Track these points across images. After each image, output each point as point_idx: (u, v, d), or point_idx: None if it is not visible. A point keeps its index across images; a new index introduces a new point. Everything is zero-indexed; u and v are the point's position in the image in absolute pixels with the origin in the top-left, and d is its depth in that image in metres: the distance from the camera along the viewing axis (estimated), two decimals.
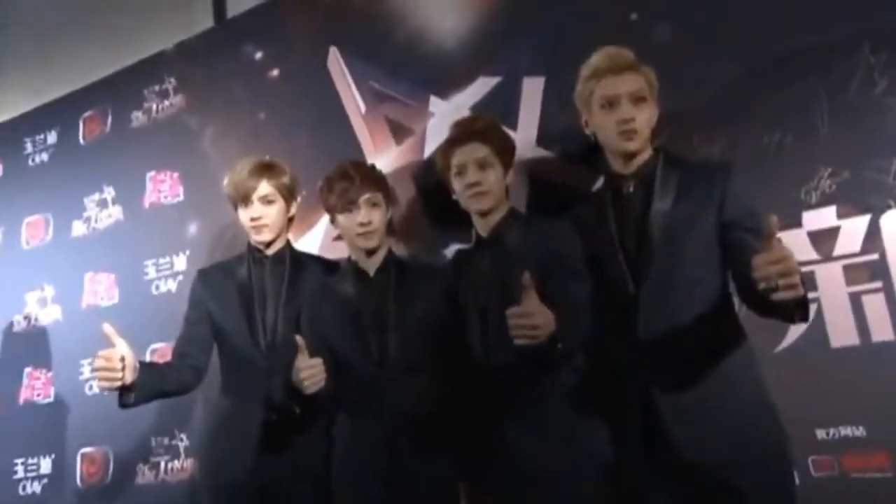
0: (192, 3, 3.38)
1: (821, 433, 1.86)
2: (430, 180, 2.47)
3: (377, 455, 1.96)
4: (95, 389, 3.01)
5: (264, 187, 2.23)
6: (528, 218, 2.13)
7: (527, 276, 1.61)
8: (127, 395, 1.94)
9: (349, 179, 2.10)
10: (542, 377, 1.85)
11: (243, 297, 2.24)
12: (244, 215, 2.24)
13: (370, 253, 2.13)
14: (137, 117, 3.29)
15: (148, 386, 1.98)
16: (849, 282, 1.84)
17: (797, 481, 1.71)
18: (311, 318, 2.14)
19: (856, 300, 1.85)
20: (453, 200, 2.11)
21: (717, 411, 1.66)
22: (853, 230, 1.88)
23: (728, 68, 2.09)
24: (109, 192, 3.29)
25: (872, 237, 1.87)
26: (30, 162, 3.54)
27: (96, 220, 3.30)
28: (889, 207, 1.85)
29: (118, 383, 1.89)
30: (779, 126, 2.01)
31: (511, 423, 1.88)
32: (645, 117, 1.81)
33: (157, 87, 3.25)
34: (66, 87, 3.51)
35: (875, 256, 1.85)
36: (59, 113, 3.50)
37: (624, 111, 1.79)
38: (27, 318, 3.33)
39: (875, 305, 1.84)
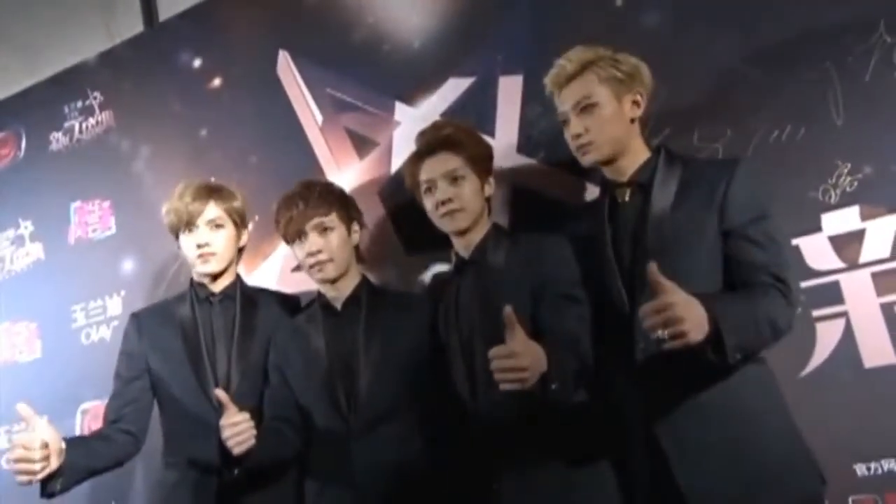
0: (117, 5, 3.40)
1: (861, 469, 1.89)
2: (401, 197, 2.51)
3: None
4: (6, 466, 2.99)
5: (212, 210, 2.22)
6: (515, 235, 2.13)
7: (508, 310, 1.61)
8: (52, 483, 1.90)
9: (294, 206, 2.15)
10: (537, 423, 1.84)
11: (188, 343, 2.22)
12: (188, 242, 2.23)
13: (334, 282, 2.15)
14: (57, 139, 3.32)
15: (76, 467, 1.95)
16: (879, 292, 1.88)
17: None
18: (277, 365, 2.16)
19: (889, 312, 1.89)
20: (428, 220, 2.13)
21: (732, 451, 1.66)
22: (880, 233, 1.92)
23: (728, 55, 2.16)
24: (27, 228, 3.31)
25: None
26: None
27: (12, 261, 3.32)
28: None
29: (41, 475, 1.83)
30: (789, 118, 2.07)
31: (504, 476, 1.88)
32: (597, 123, 1.88)
33: (79, 104, 3.29)
34: None
35: None
36: None
37: (577, 125, 1.88)
38: None
39: None
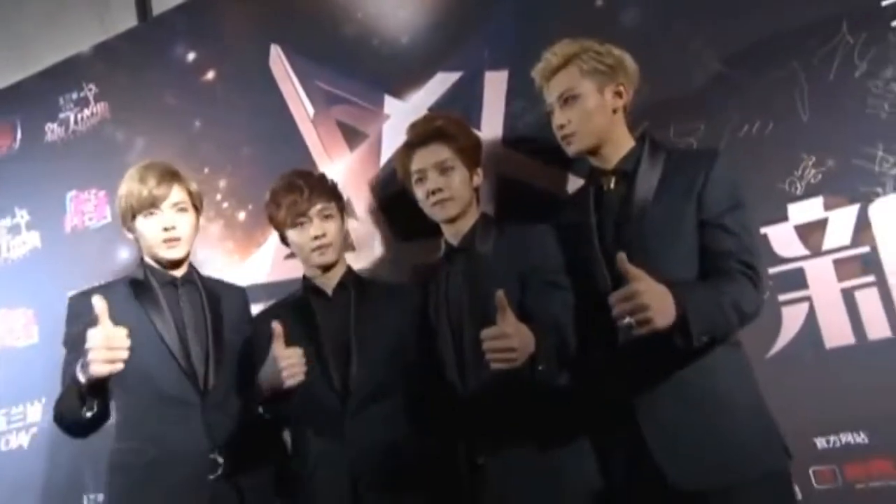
0: (109, 1, 3.42)
1: (821, 442, 1.99)
2: (390, 187, 2.57)
3: (341, 493, 2.00)
4: (12, 445, 3.17)
5: (177, 193, 2.21)
6: (502, 224, 2.18)
7: (500, 293, 1.67)
8: (99, 396, 1.85)
9: (298, 191, 2.16)
10: (524, 403, 1.89)
11: (161, 325, 2.18)
12: (150, 226, 2.18)
13: (327, 269, 2.19)
14: (53, 129, 3.34)
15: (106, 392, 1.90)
16: (840, 277, 1.98)
17: (799, 496, 1.81)
18: (266, 348, 2.13)
19: (849, 296, 1.99)
20: (418, 208, 2.17)
21: (708, 429, 1.73)
22: (842, 222, 2.02)
23: (703, 54, 2.22)
24: (23, 216, 3.34)
25: (862, 228, 2.01)
26: None
27: (9, 249, 3.35)
28: (877, 196, 2.00)
29: (120, 366, 1.78)
30: (758, 114, 2.15)
31: (490, 453, 1.93)
32: (578, 113, 1.92)
33: (74, 95, 3.31)
34: None
35: (866, 249, 2.00)
36: None
37: (560, 116, 1.93)
38: None
39: (869, 301, 1.98)
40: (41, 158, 3.36)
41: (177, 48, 3.11)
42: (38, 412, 3.14)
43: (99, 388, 1.83)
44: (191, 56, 3.09)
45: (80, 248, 3.19)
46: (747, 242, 1.81)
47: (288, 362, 1.89)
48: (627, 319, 1.57)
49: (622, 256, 1.58)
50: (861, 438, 1.97)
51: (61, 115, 3.35)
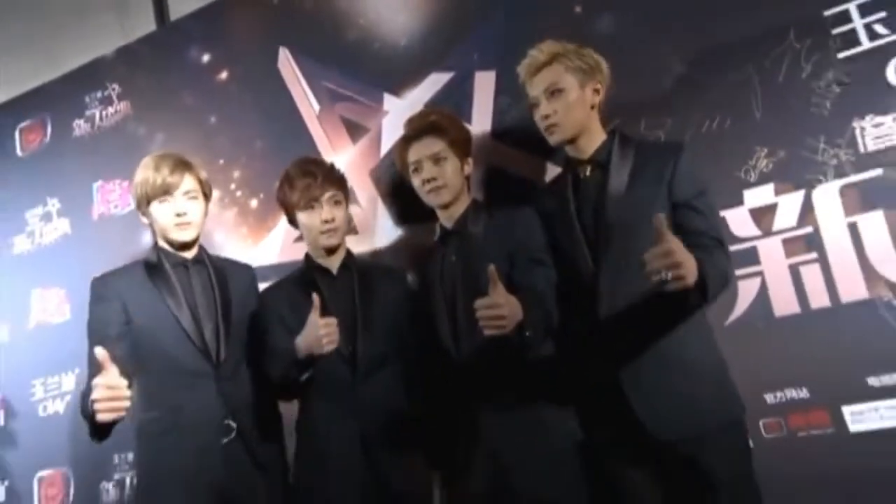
0: (131, 7, 3.48)
1: (769, 397, 2.12)
2: (389, 176, 2.68)
3: (352, 450, 2.07)
4: (49, 411, 3.18)
5: (188, 182, 2.23)
6: (491, 208, 2.22)
7: (492, 267, 1.73)
8: (108, 427, 1.90)
9: (312, 176, 2.21)
10: (512, 366, 1.96)
11: (174, 303, 2.20)
12: (164, 212, 2.20)
13: (331, 252, 2.25)
14: (80, 125, 3.39)
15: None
16: (788, 254, 2.09)
17: (751, 444, 1.91)
18: (280, 318, 2.19)
19: (795, 271, 2.11)
20: (413, 195, 2.22)
21: (680, 389, 1.83)
22: (790, 206, 2.12)
23: (670, 58, 2.32)
24: (54, 205, 3.37)
25: (806, 211, 2.12)
26: None
27: (41, 235, 3.39)
28: (820, 182, 2.11)
29: (122, 413, 1.84)
30: (719, 111, 2.25)
31: (483, 412, 2.00)
32: (563, 106, 1.98)
33: (99, 94, 3.35)
34: None
35: (810, 229, 2.11)
36: None
37: (545, 107, 1.99)
38: None
39: (812, 275, 2.09)
40: (70, 152, 3.38)
41: (192, 51, 3.16)
42: (71, 382, 3.17)
43: (109, 425, 1.87)
44: (205, 58, 3.14)
45: (106, 233, 3.22)
46: (714, 222, 1.90)
47: (327, 330, 1.94)
48: (664, 274, 1.61)
49: (660, 217, 1.62)
50: (803, 393, 2.08)
51: (87, 113, 3.37)
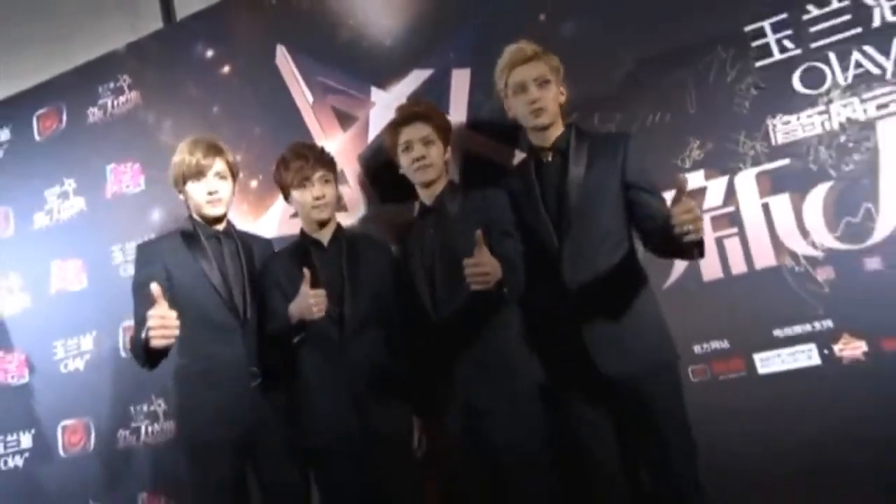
0: (140, 7, 3.53)
1: (697, 348, 2.32)
2: (375, 160, 2.75)
3: (344, 399, 2.16)
4: (70, 368, 3.24)
5: (219, 164, 2.31)
6: (466, 189, 2.30)
7: (478, 232, 1.83)
8: (161, 356, 2.02)
9: (304, 158, 2.28)
10: (487, 321, 2.07)
11: (208, 267, 2.27)
12: (198, 189, 2.29)
13: (322, 225, 2.32)
14: (93, 113, 3.40)
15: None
16: (714, 229, 2.28)
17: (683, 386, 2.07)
18: (277, 283, 2.27)
19: (720, 243, 2.31)
20: (396, 177, 2.30)
21: (629, 340, 1.97)
22: (716, 189, 2.32)
23: (621, 61, 2.47)
24: (70, 185, 3.40)
25: (730, 194, 2.31)
26: None
27: (59, 211, 3.41)
28: (740, 170, 2.31)
29: (172, 340, 1.93)
30: (660, 107, 2.42)
31: (458, 364, 2.09)
32: (551, 96, 2.10)
33: (111, 85, 3.37)
34: (16, 87, 3.60)
35: (732, 209, 2.31)
36: (10, 111, 3.58)
37: (533, 93, 2.08)
38: None
39: (733, 246, 2.30)
40: (84, 137, 3.40)
41: (197, 47, 3.19)
42: (90, 342, 3.24)
43: (161, 351, 1.98)
44: (209, 54, 3.17)
45: (119, 210, 3.27)
46: (661, 198, 2.03)
47: (316, 300, 2.03)
48: (688, 227, 1.70)
49: (682, 177, 1.79)
50: (724, 344, 2.29)
51: (100, 101, 3.39)
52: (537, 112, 2.10)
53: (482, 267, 1.82)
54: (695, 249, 1.83)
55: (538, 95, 2.10)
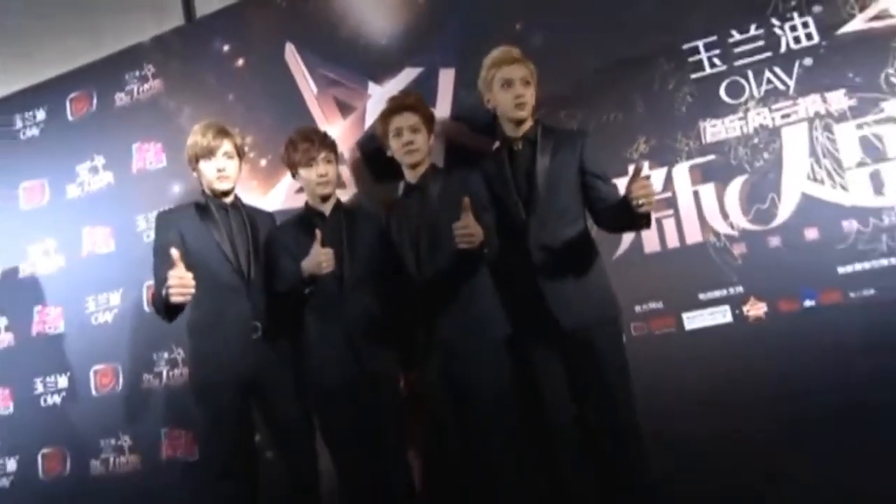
0: (164, 5, 3.56)
1: (637, 308, 2.50)
2: (369, 145, 2.83)
3: (341, 349, 2.25)
4: (101, 321, 3.33)
5: (227, 145, 2.38)
6: (446, 170, 2.42)
7: (466, 199, 1.93)
8: (179, 311, 2.16)
9: (310, 141, 2.35)
10: (464, 281, 2.16)
11: (219, 235, 2.33)
12: (209, 167, 2.35)
13: (325, 199, 2.40)
14: (121, 98, 3.42)
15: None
16: (655, 210, 2.26)
17: (625, 339, 2.29)
18: (286, 248, 2.34)
19: (658, 222, 2.48)
20: (385, 159, 2.39)
21: (582, 297, 2.11)
22: (658, 177, 2.49)
23: (583, 69, 2.60)
24: (100, 160, 3.44)
25: (668, 182, 2.49)
26: (21, 136, 3.65)
27: (89, 184, 3.45)
28: (677, 162, 2.49)
29: (189, 297, 2.07)
30: (614, 109, 2.57)
31: (437, 316, 2.20)
32: (530, 94, 2.21)
33: (137, 73, 3.41)
34: (52, 72, 3.61)
35: (669, 194, 2.49)
36: (46, 94, 3.60)
37: (518, 90, 2.19)
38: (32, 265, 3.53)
39: (669, 225, 2.49)
40: (113, 119, 3.42)
41: (214, 42, 3.22)
42: (117, 298, 3.32)
43: (179, 305, 2.13)
44: (225, 48, 3.21)
45: (143, 184, 3.33)
46: (613, 185, 2.20)
47: (325, 257, 2.12)
48: (643, 200, 1.82)
49: (640, 165, 1.91)
50: (659, 305, 2.47)
51: (127, 88, 3.42)
52: (521, 106, 2.19)
53: (469, 229, 1.93)
54: (643, 220, 1.96)
55: (522, 92, 2.19)
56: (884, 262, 2.29)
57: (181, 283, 2.04)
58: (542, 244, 2.14)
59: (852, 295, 2.31)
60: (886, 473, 2.17)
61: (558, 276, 2.13)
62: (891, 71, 2.34)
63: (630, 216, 1.91)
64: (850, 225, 2.34)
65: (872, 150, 2.35)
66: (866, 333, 2.25)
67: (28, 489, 3.37)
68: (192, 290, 2.06)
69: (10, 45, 4.02)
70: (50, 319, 3.49)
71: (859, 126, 2.35)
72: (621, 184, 2.32)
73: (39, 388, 3.45)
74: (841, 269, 2.33)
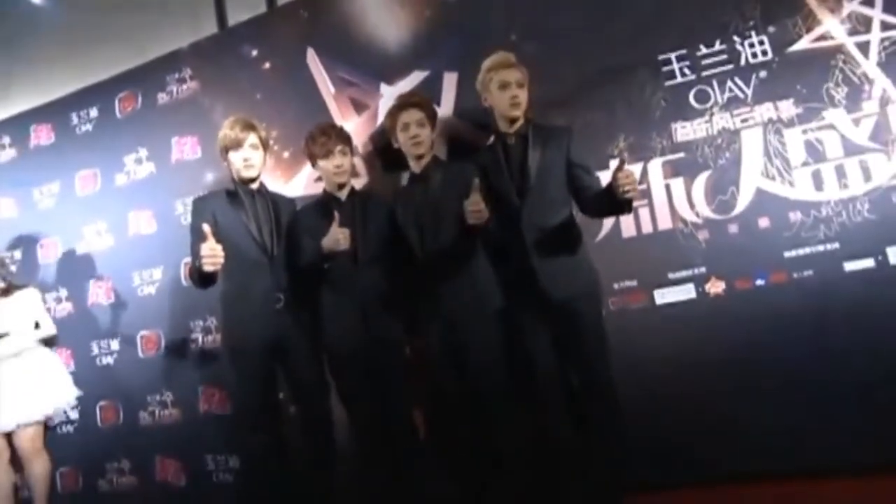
0: (200, 15, 3.62)
1: (615, 285, 2.54)
2: (380, 140, 2.85)
3: (354, 317, 2.29)
4: (145, 293, 3.40)
5: (252, 137, 2.40)
6: (448, 162, 2.44)
7: (476, 181, 1.96)
8: (213, 277, 2.20)
9: (328, 135, 2.38)
10: (465, 258, 2.19)
11: (246, 217, 2.36)
12: (236, 157, 2.37)
13: (341, 187, 2.42)
14: (162, 97, 3.47)
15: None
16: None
17: (604, 312, 2.34)
18: (308, 229, 2.35)
19: (635, 211, 2.50)
20: (394, 152, 2.40)
21: (568, 273, 2.14)
22: (635, 171, 2.46)
23: (571, 74, 2.63)
24: (144, 152, 3.48)
25: (644, 175, 2.52)
26: (77, 131, 3.70)
27: (135, 173, 3.50)
28: (652, 159, 2.53)
29: (219, 266, 2.12)
30: (599, 110, 2.59)
31: (439, 290, 2.22)
32: (524, 96, 2.23)
33: (176, 75, 3.43)
34: (103, 75, 3.68)
35: (644, 186, 2.52)
36: (98, 94, 3.65)
37: (514, 91, 2.20)
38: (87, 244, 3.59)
39: (644, 213, 2.52)
40: (155, 116, 3.46)
41: (245, 48, 3.24)
42: (159, 273, 3.37)
43: (212, 274, 2.18)
44: (254, 53, 3.22)
45: (181, 172, 3.34)
46: (596, 176, 2.22)
47: (343, 236, 2.17)
48: (627, 187, 1.85)
49: (623, 157, 1.90)
50: (634, 283, 2.52)
51: (168, 88, 3.45)
52: (516, 105, 2.20)
53: (479, 205, 1.97)
54: (627, 205, 1.99)
55: (517, 93, 2.21)
56: (821, 247, 2.37)
57: (212, 253, 2.10)
58: (534, 227, 2.16)
59: (795, 275, 2.38)
60: (820, 416, 2.29)
61: (548, 255, 2.15)
62: (831, 85, 2.40)
63: (613, 202, 1.94)
64: (795, 216, 2.41)
65: (814, 153, 2.42)
66: (807, 308, 2.33)
67: (90, 435, 3.50)
68: (222, 260, 2.11)
69: (68, 53, 4.09)
70: (101, 292, 3.56)
71: (804, 131, 2.42)
72: (604, 176, 2.36)
73: (95, 350, 3.53)
74: (787, 254, 2.40)
